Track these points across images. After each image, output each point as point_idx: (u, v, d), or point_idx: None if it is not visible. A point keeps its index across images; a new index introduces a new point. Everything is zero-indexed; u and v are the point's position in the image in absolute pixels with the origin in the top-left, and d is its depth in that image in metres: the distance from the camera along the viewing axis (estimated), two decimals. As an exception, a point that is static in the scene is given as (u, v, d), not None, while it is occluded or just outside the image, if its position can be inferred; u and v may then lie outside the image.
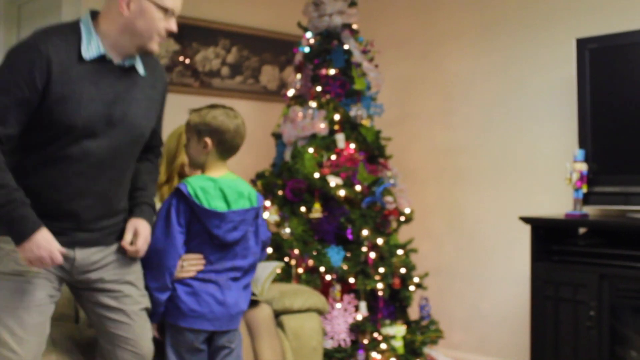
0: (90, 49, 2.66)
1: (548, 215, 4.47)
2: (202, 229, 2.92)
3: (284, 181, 4.88)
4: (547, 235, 4.33)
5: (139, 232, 2.84)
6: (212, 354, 3.01)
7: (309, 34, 5.12)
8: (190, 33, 5.48)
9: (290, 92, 5.16)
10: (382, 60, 5.41)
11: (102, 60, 2.69)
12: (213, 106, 3.05)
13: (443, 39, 5.67)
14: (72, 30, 2.68)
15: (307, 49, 5.11)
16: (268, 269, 3.77)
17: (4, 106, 2.54)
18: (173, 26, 2.76)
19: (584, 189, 4.30)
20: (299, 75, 5.17)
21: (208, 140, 2.97)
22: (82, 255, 2.76)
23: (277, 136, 5.15)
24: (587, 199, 4.35)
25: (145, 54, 2.80)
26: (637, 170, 4.20)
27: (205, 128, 2.97)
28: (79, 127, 2.63)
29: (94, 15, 2.74)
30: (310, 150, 4.84)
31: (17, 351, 2.62)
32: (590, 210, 4.47)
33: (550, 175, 4.89)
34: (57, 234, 2.63)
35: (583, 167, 4.29)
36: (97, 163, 2.72)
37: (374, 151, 5.03)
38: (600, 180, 4.32)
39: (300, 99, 5.10)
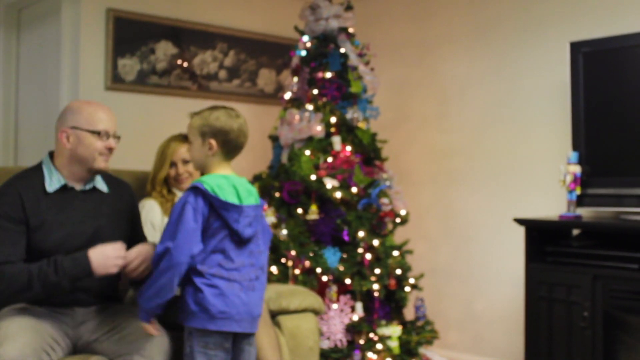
0: (52, 183, 3.07)
1: (542, 217, 4.46)
2: (223, 225, 2.90)
3: (281, 183, 4.86)
4: (541, 237, 4.32)
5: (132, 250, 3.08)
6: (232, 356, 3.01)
7: (305, 38, 5.12)
8: (188, 37, 5.48)
9: (287, 95, 5.15)
10: (378, 63, 5.41)
11: (65, 189, 3.10)
12: (214, 107, 3.05)
13: (438, 43, 5.67)
14: (35, 173, 3.11)
15: (303, 53, 5.10)
16: None
17: (5, 240, 2.93)
18: (111, 144, 3.13)
19: (578, 191, 4.29)
20: (295, 79, 5.16)
21: (213, 142, 2.96)
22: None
23: (274, 139, 5.14)
24: (580, 201, 4.34)
25: (97, 173, 3.17)
26: (630, 172, 4.20)
27: (209, 129, 2.97)
28: (52, 251, 2.96)
29: (52, 154, 3.17)
30: (307, 152, 4.83)
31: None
32: (584, 212, 4.47)
33: (544, 178, 4.89)
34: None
35: (577, 169, 4.28)
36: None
37: (370, 153, 5.02)
38: (593, 183, 4.32)
39: (297, 102, 5.09)
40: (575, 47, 4.42)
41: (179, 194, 3.94)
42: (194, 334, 2.90)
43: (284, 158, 4.96)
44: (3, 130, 5.79)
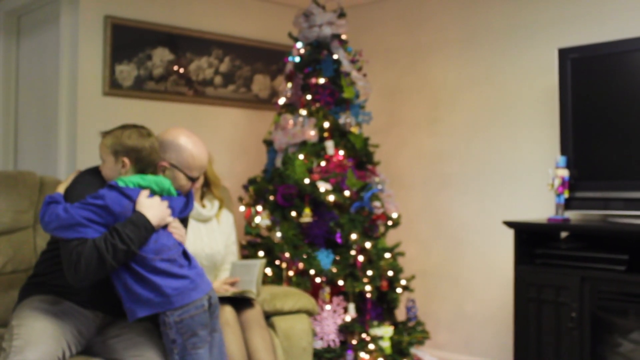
0: None
1: (531, 219, 4.44)
2: None
3: (275, 187, 4.84)
4: (530, 239, 4.30)
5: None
6: None
7: (299, 44, 5.09)
8: (185, 43, 5.45)
9: (281, 101, 5.13)
10: (370, 69, 5.39)
11: None
12: (125, 126, 3.05)
13: (429, 49, 5.65)
14: None
15: (297, 59, 5.08)
16: (255, 268, 3.79)
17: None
18: (197, 185, 3.40)
19: (566, 195, 4.28)
20: (289, 84, 5.14)
21: (126, 160, 2.98)
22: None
23: (269, 143, 5.12)
24: (568, 204, 4.32)
25: None
26: (617, 176, 4.19)
27: (122, 148, 2.98)
28: None
29: None
30: (301, 156, 4.80)
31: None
32: (572, 215, 4.45)
33: (533, 181, 4.87)
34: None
35: (565, 173, 4.27)
36: None
37: (362, 157, 5.00)
38: (581, 186, 4.30)
39: (291, 107, 5.06)
40: (564, 53, 4.40)
41: None
42: (168, 325, 2.89)
43: (278, 162, 4.93)
44: (3, 134, 5.76)
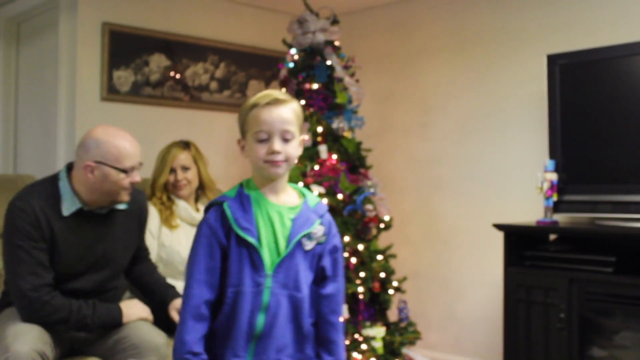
0: (69, 206, 2.90)
1: (520, 222, 4.42)
2: None
3: (269, 190, 4.81)
4: (519, 242, 4.28)
5: None
6: None
7: (293, 50, 5.07)
8: (181, 49, 5.42)
9: (276, 106, 5.10)
10: (363, 75, 5.36)
11: (80, 211, 2.94)
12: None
13: (421, 55, 5.63)
14: (52, 190, 2.92)
15: (291, 65, 5.06)
16: None
17: (36, 260, 2.81)
18: (136, 178, 2.95)
19: (554, 198, 4.26)
20: (283, 90, 5.12)
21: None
22: None
23: (264, 147, 5.09)
24: (557, 207, 4.30)
25: (118, 204, 3.02)
26: (605, 179, 4.17)
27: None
28: (60, 272, 2.91)
29: (70, 167, 3.01)
30: (295, 160, 4.78)
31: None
32: (560, 218, 4.42)
33: (523, 185, 4.85)
34: None
35: (553, 176, 4.25)
36: (87, 294, 3.00)
37: (355, 161, 4.98)
38: (569, 190, 4.28)
39: (285, 112, 5.03)
40: (552, 59, 4.39)
41: (177, 202, 3.87)
42: None
43: (273, 166, 4.90)
44: (3, 139, 5.73)
